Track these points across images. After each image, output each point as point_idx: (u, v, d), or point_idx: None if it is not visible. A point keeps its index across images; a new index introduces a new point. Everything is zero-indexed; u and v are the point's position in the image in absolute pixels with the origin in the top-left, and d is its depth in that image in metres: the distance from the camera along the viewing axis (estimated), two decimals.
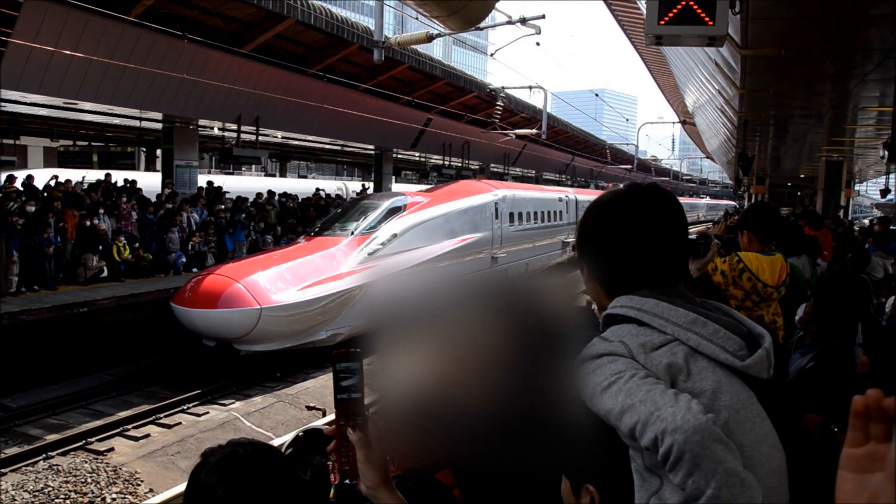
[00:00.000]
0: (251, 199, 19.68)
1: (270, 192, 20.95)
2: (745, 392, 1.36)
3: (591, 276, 1.59)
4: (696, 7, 4.63)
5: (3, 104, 16.19)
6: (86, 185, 17.09)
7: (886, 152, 10.04)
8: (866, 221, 30.58)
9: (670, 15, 4.58)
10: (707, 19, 4.64)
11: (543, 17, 15.53)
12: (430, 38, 11.66)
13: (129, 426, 10.55)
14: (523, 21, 15.54)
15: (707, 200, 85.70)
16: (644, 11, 4.75)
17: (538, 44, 17.94)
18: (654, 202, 1.52)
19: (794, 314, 3.96)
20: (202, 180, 20.42)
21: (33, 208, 13.65)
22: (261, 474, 1.49)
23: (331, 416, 10.62)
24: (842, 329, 3.17)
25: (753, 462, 1.29)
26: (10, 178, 15.42)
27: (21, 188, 15.13)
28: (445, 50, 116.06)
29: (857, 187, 37.80)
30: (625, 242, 1.50)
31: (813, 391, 1.95)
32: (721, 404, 1.30)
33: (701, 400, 1.28)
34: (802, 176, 31.15)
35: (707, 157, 54.46)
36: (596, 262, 1.57)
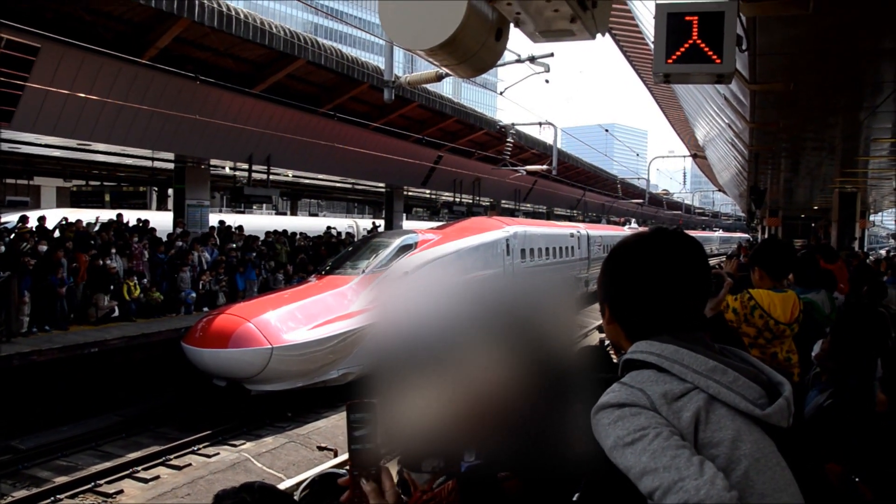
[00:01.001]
0: (261, 238, 19.80)
1: (281, 232, 21.08)
2: (764, 440, 1.34)
3: (613, 317, 1.59)
4: (703, 45, 4.64)
5: (17, 146, 16.42)
6: (98, 226, 17.22)
7: None
8: (882, 252, 30.32)
9: (678, 54, 4.60)
10: (714, 57, 4.66)
11: (552, 55, 15.70)
12: (439, 78, 11.78)
13: (139, 468, 10.50)
14: (532, 59, 15.70)
15: (720, 234, 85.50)
16: (652, 48, 4.76)
17: (547, 81, 18.10)
18: (678, 247, 1.54)
19: (810, 350, 3.91)
20: (213, 219, 20.57)
21: (45, 248, 13.74)
22: None
23: (344, 456, 10.52)
24: (859, 365, 3.11)
25: None
26: (24, 219, 15.56)
27: (34, 229, 15.24)
28: (455, 87, 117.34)
29: (872, 218, 37.58)
30: (648, 286, 1.51)
31: (830, 431, 1.89)
32: (741, 453, 1.29)
33: (720, 449, 1.28)
34: (816, 207, 31.02)
35: (719, 190, 54.40)
36: (618, 304, 1.57)
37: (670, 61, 4.57)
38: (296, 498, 2.29)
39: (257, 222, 23.72)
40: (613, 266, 1.59)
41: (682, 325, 1.49)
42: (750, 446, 1.31)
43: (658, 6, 4.74)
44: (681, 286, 1.51)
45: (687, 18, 4.61)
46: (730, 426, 1.32)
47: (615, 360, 2.99)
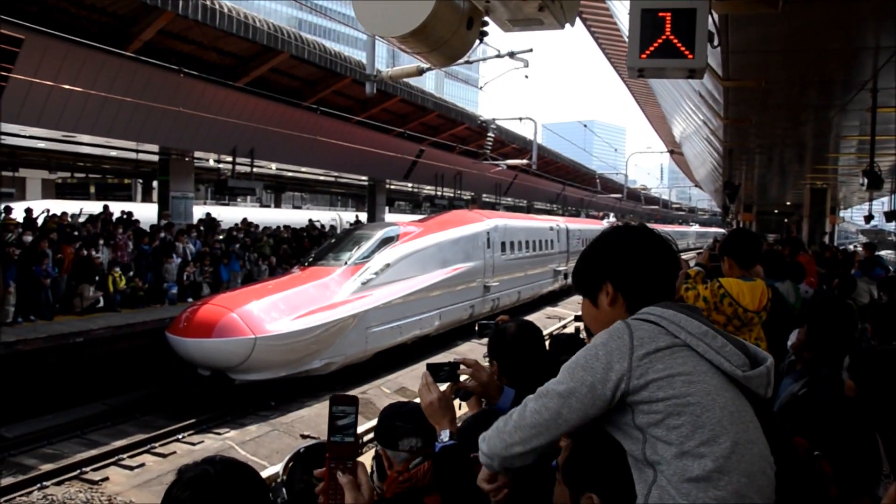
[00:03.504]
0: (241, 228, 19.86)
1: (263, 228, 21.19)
2: (740, 399, 1.53)
3: (616, 291, 1.74)
4: (675, 41, 4.78)
5: (2, 137, 16.34)
6: (83, 218, 17.19)
7: (866, 179, 10.27)
8: (851, 247, 30.83)
9: (651, 49, 4.75)
10: (687, 53, 4.78)
11: (531, 50, 15.89)
12: (421, 72, 11.89)
13: (124, 455, 10.59)
14: (512, 55, 15.89)
15: (696, 228, 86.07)
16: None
17: (527, 77, 18.30)
18: (659, 236, 1.79)
19: (778, 337, 4.03)
20: (198, 211, 20.58)
21: (30, 238, 13.74)
22: (232, 493, 1.50)
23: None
24: (832, 355, 3.25)
25: (745, 458, 1.45)
26: (8, 210, 15.53)
27: (20, 220, 15.21)
28: (438, 83, 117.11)
29: (842, 213, 38.15)
30: (651, 263, 1.73)
31: (804, 417, 2.08)
32: (717, 404, 1.48)
33: (696, 393, 1.49)
34: (789, 203, 31.47)
35: (696, 186, 54.86)
36: (624, 279, 1.73)
37: (644, 56, 4.73)
38: (281, 473, 2.39)
39: (241, 215, 23.70)
40: (615, 250, 1.76)
41: (672, 297, 1.72)
42: (724, 400, 1.49)
43: (633, 2, 4.91)
44: (670, 265, 1.76)
45: (660, 14, 4.75)
46: (709, 382, 1.51)
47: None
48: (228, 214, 23.62)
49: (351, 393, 1.71)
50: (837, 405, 2.08)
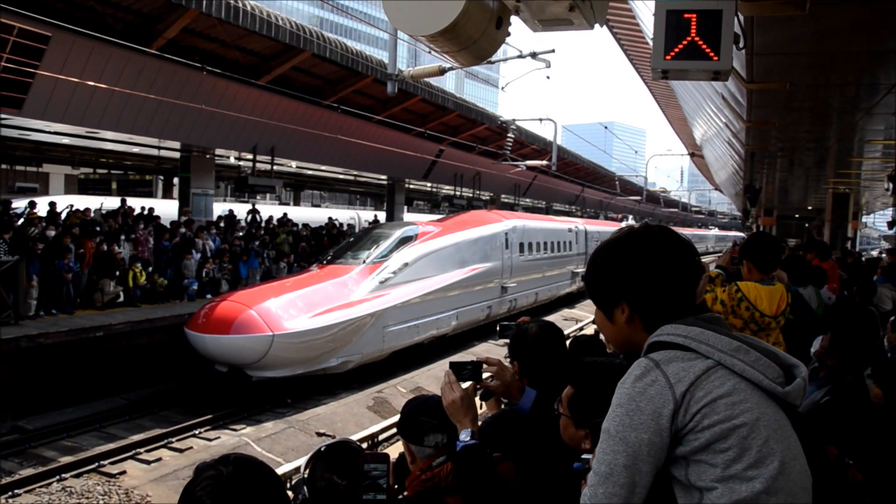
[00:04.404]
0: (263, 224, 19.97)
1: (284, 217, 21.24)
2: (780, 414, 1.48)
3: (634, 312, 1.63)
4: (701, 42, 4.73)
5: (27, 133, 16.54)
6: (104, 212, 17.37)
7: (891, 184, 10.12)
8: (874, 253, 30.45)
9: (676, 50, 4.69)
10: (712, 54, 4.72)
11: (553, 51, 15.85)
12: (442, 72, 11.88)
13: (142, 449, 10.70)
14: (534, 55, 15.86)
15: (716, 232, 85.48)
16: (651, 46, 4.90)
17: (548, 77, 18.25)
18: (677, 239, 1.65)
19: (801, 343, 4.00)
20: (218, 208, 20.72)
21: (53, 233, 13.90)
22: (249, 492, 1.51)
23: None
24: (855, 363, 3.22)
25: (791, 477, 1.42)
26: (32, 204, 15.73)
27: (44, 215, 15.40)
28: (458, 83, 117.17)
29: (864, 219, 37.68)
30: (669, 275, 1.60)
31: (830, 425, 2.03)
32: (762, 423, 1.43)
33: (744, 418, 1.42)
34: (810, 207, 31.14)
35: (716, 189, 54.42)
36: (641, 297, 1.61)
37: (668, 57, 4.68)
38: (302, 470, 2.39)
39: (261, 212, 23.83)
40: (632, 265, 1.62)
41: (693, 309, 1.60)
42: (768, 419, 1.44)
43: (658, 3, 4.87)
44: (692, 275, 1.62)
45: (686, 16, 4.70)
46: (751, 400, 1.45)
47: (609, 351, 3.18)
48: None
49: (382, 452, 1.75)
50: (864, 413, 2.04)
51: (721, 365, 1.47)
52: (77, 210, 16.53)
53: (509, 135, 24.36)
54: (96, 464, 10.01)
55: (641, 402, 1.46)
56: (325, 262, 15.98)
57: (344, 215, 31.69)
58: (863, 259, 16.78)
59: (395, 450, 10.05)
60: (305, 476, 2.32)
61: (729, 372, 1.47)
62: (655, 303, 1.60)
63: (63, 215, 16.19)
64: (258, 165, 18.20)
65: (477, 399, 2.35)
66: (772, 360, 1.52)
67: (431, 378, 15.09)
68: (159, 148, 19.70)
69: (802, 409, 3.23)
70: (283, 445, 11.29)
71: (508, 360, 2.81)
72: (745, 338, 1.55)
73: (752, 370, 1.47)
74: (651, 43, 4.88)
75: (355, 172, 27.71)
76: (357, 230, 23.70)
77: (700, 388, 1.44)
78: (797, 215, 34.25)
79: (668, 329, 1.55)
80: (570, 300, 29.65)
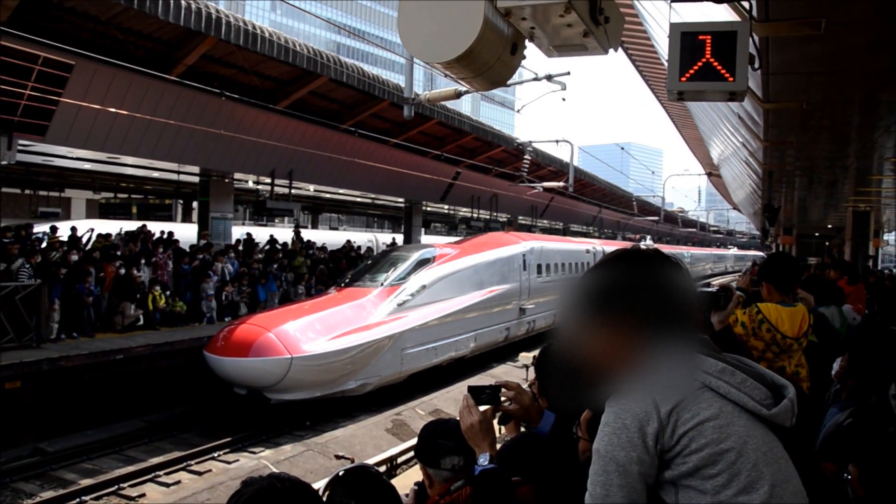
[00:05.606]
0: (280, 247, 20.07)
1: (297, 237, 21.38)
2: (769, 436, 1.46)
3: (628, 333, 1.58)
4: (716, 64, 4.75)
5: (50, 159, 16.80)
6: (123, 235, 17.57)
7: None
8: None
9: (691, 72, 4.72)
10: (727, 75, 4.74)
11: (568, 73, 15.95)
12: (458, 95, 11.96)
13: (161, 472, 10.70)
14: (549, 78, 15.94)
15: (735, 251, 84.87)
16: (667, 67, 4.92)
17: (564, 99, 18.31)
18: (667, 261, 1.63)
19: (824, 364, 3.94)
20: (237, 232, 20.89)
21: (76, 257, 14.07)
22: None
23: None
24: (878, 383, 3.16)
25: (783, 499, 1.40)
26: (54, 229, 15.94)
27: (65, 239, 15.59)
28: (474, 105, 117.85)
29: (885, 237, 37.22)
30: (675, 298, 1.59)
31: (854, 447, 2.00)
32: (749, 447, 1.40)
33: (730, 442, 1.39)
34: (830, 226, 30.83)
35: (734, 209, 54.10)
36: (658, 320, 1.57)
37: (684, 79, 4.71)
38: (321, 492, 2.37)
39: (279, 236, 23.98)
40: (644, 289, 1.59)
41: (691, 328, 1.58)
42: (756, 441, 1.42)
43: (672, 25, 4.89)
44: (687, 293, 1.61)
45: (700, 37, 4.73)
46: (738, 423, 1.43)
47: None
48: (267, 235, 23.87)
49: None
50: (889, 433, 2.01)
51: (707, 387, 1.46)
52: (100, 235, 16.72)
53: (526, 156, 24.41)
54: (116, 486, 10.02)
55: (627, 419, 1.45)
56: (343, 284, 16.02)
57: (362, 238, 31.81)
58: (886, 279, 16.55)
59: (413, 473, 9.98)
60: (324, 500, 2.32)
61: (715, 394, 1.45)
62: (648, 332, 1.57)
63: (85, 239, 16.39)
64: (276, 189, 18.34)
65: (495, 423, 2.35)
66: (759, 381, 1.50)
67: (450, 400, 15.02)
68: (179, 172, 19.94)
69: (825, 432, 3.19)
70: (302, 468, 11.25)
71: (528, 383, 2.79)
72: (732, 359, 1.53)
73: (738, 392, 1.45)
74: (666, 64, 4.90)
75: (373, 195, 27.88)
76: (375, 253, 23.75)
77: (687, 410, 1.42)
78: (817, 234, 33.93)
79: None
80: None
